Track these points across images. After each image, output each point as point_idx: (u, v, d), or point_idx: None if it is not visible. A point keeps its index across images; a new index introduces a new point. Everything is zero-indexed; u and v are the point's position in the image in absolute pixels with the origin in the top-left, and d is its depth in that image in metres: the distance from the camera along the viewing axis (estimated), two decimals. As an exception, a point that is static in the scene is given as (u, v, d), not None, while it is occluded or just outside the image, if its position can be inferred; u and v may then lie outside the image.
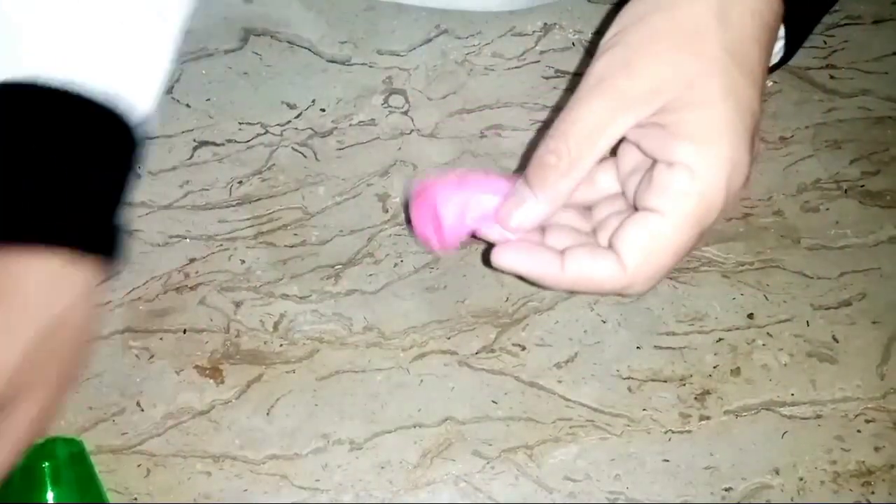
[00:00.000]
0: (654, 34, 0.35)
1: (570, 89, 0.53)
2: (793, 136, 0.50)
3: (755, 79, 0.35)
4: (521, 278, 0.36)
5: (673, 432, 0.42)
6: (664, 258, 0.35)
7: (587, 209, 0.39)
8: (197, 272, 0.46)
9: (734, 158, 0.34)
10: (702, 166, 0.34)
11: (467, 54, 0.54)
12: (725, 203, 0.34)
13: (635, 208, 0.36)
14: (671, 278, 0.46)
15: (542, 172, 0.35)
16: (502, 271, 0.36)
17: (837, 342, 0.45)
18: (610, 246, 0.36)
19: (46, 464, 0.39)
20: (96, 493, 0.39)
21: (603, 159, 0.38)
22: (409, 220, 0.36)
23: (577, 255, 0.36)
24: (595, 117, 0.34)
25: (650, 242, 0.34)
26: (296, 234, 0.48)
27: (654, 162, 0.35)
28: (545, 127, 0.51)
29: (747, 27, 0.35)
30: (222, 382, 0.43)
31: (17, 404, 0.35)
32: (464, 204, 0.37)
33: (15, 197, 0.36)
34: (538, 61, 0.54)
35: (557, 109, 0.52)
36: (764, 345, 0.45)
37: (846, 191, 0.49)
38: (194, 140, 0.51)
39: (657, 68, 0.34)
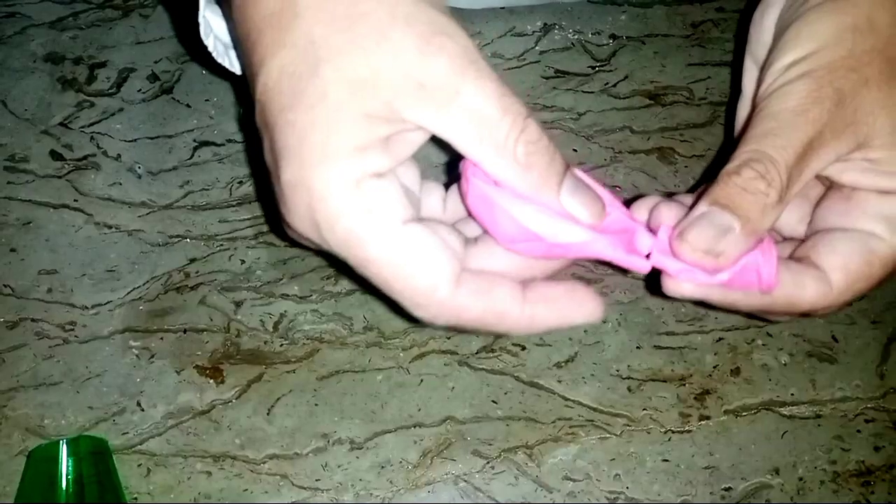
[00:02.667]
0: (853, 59, 0.32)
1: (571, 89, 0.53)
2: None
3: None
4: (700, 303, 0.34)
5: (673, 432, 0.42)
6: (873, 283, 0.33)
7: None
8: (197, 272, 0.46)
9: None
10: None
11: (467, 54, 0.54)
12: None
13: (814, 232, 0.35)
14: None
15: (746, 199, 0.31)
16: (678, 299, 0.33)
17: (837, 342, 0.45)
18: (802, 261, 0.33)
19: (63, 441, 0.39)
20: (116, 492, 0.39)
21: None
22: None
23: (778, 281, 0.32)
24: (804, 148, 0.31)
25: (864, 266, 0.33)
26: (296, 234, 0.48)
27: (855, 189, 0.34)
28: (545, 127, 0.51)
29: None
30: (222, 382, 0.43)
31: None
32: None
33: None
34: (538, 61, 0.54)
35: (558, 109, 0.52)
36: (764, 345, 0.45)
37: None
38: (195, 140, 0.51)
39: (863, 98, 0.32)
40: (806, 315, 0.34)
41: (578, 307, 0.32)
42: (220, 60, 0.41)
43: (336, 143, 0.28)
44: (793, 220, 0.37)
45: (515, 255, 0.32)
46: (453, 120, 0.29)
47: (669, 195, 0.35)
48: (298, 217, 0.30)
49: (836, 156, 0.33)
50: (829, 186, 0.36)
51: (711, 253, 0.31)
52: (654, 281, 0.34)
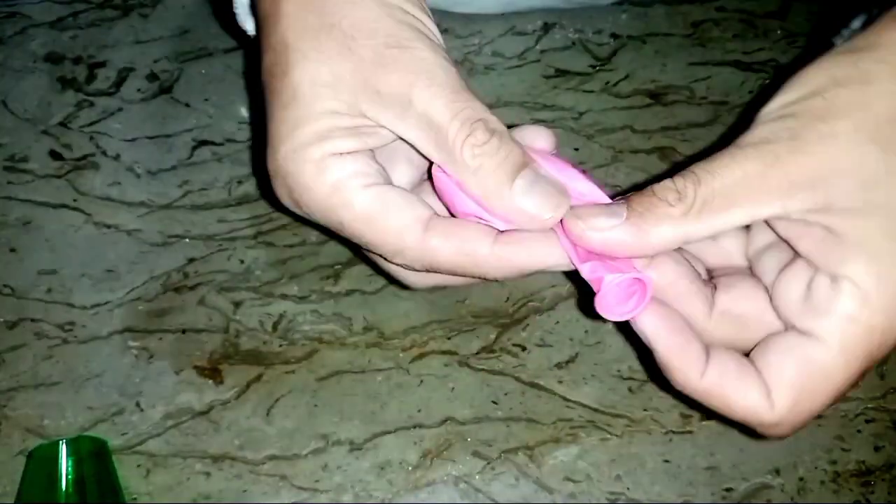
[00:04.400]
0: (835, 110, 0.28)
1: (571, 89, 0.53)
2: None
3: None
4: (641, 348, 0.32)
5: (674, 433, 0.42)
6: (821, 398, 0.29)
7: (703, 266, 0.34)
8: (196, 272, 0.46)
9: None
10: (876, 289, 0.28)
11: (467, 53, 0.54)
12: None
13: (784, 324, 0.31)
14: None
15: (650, 203, 0.29)
16: (636, 332, 0.31)
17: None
18: (753, 363, 0.30)
19: (63, 442, 0.39)
20: (116, 492, 0.39)
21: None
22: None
23: (722, 363, 0.30)
24: (741, 184, 0.28)
25: (808, 379, 0.29)
26: (295, 234, 0.48)
27: (816, 270, 0.29)
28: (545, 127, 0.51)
29: None
30: (222, 383, 0.43)
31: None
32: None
33: None
34: (538, 60, 0.54)
35: (558, 108, 0.52)
36: (764, 345, 0.45)
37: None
38: (193, 139, 0.51)
39: (832, 152, 0.28)
40: (755, 428, 0.31)
41: (550, 249, 0.31)
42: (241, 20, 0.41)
43: (301, 136, 0.32)
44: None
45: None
46: (409, 127, 0.31)
47: None
48: (284, 197, 0.34)
49: (783, 208, 0.29)
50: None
51: (591, 227, 0.30)
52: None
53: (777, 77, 0.53)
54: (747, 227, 0.33)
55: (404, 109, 0.31)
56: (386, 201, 0.32)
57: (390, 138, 0.33)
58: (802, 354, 0.29)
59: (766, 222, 0.31)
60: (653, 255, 0.31)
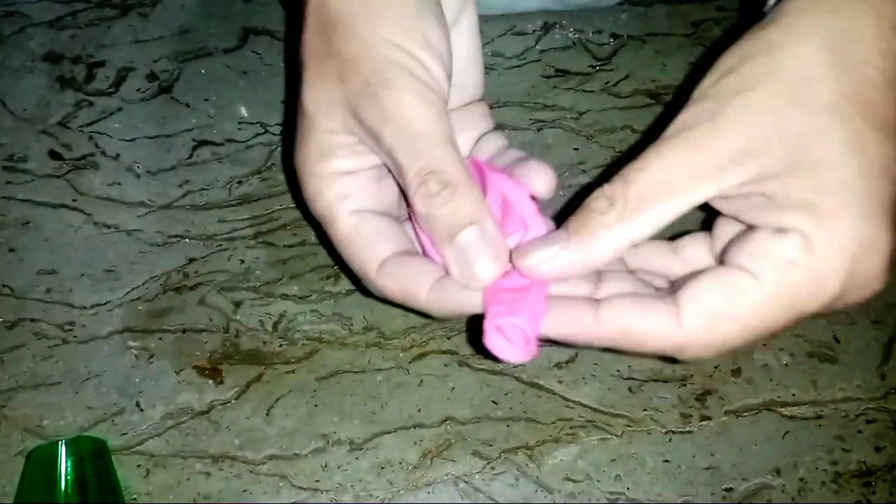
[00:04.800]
0: (747, 82, 0.29)
1: (571, 88, 0.53)
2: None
3: (890, 132, 0.28)
4: (549, 341, 0.32)
5: (674, 432, 0.42)
6: (736, 328, 0.28)
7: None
8: (196, 272, 0.46)
9: (862, 237, 0.27)
10: (821, 239, 0.27)
11: (467, 53, 0.54)
12: (842, 292, 0.28)
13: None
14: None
15: (584, 217, 0.30)
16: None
17: (838, 342, 0.45)
18: (672, 297, 0.29)
19: (62, 441, 0.39)
20: (116, 492, 0.39)
21: (696, 231, 0.32)
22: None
23: (615, 305, 0.29)
24: (668, 175, 0.29)
25: (725, 304, 0.28)
26: (295, 234, 0.48)
27: (755, 228, 0.29)
28: (545, 126, 0.51)
29: (875, 69, 0.28)
30: (222, 382, 0.43)
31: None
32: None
33: None
34: (538, 60, 0.54)
35: (558, 108, 0.52)
36: (764, 345, 0.45)
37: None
38: (193, 139, 0.51)
39: (751, 123, 0.28)
40: (672, 357, 0.30)
41: (475, 298, 0.32)
42: None
43: (308, 149, 0.34)
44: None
45: None
46: (384, 159, 0.33)
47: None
48: (300, 183, 0.36)
49: (717, 187, 0.29)
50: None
51: (537, 262, 0.30)
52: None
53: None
54: (709, 231, 0.33)
55: (378, 144, 0.33)
56: (361, 232, 0.34)
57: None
58: (729, 282, 0.28)
59: (710, 204, 0.30)
60: (602, 268, 0.31)
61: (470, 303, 0.32)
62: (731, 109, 0.28)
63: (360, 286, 0.36)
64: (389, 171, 0.34)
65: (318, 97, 0.34)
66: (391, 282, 0.33)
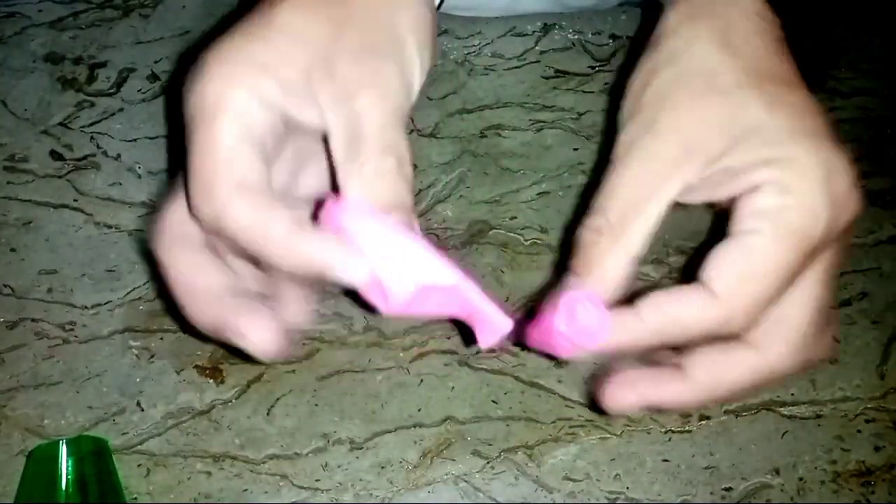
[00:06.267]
0: (665, 89, 0.33)
1: (571, 89, 0.53)
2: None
3: (794, 85, 0.33)
4: None
5: (673, 432, 0.42)
6: (765, 281, 0.30)
7: None
8: (197, 272, 0.46)
9: (821, 162, 0.30)
10: (790, 177, 0.30)
11: (467, 54, 0.54)
12: (834, 209, 0.30)
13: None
14: (671, 278, 0.46)
15: (584, 253, 0.32)
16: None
17: (837, 342, 0.45)
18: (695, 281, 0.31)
19: (63, 441, 0.39)
20: (116, 491, 0.39)
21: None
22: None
23: (652, 300, 0.31)
24: (635, 190, 0.32)
25: (746, 264, 0.30)
26: (296, 234, 0.48)
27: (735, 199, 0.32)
28: (545, 127, 0.51)
29: (758, 46, 0.33)
30: (222, 382, 0.43)
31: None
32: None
33: None
34: (538, 61, 0.54)
35: (558, 109, 0.52)
36: (764, 345, 0.45)
37: (846, 191, 0.49)
38: (194, 140, 0.51)
39: (684, 120, 0.32)
40: (719, 334, 0.32)
41: (350, 258, 0.32)
42: None
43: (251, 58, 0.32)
44: None
45: None
46: (338, 117, 0.32)
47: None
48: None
49: (682, 182, 0.31)
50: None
51: (588, 322, 0.32)
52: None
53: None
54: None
55: (343, 101, 0.31)
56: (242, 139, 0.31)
57: (309, 124, 0.33)
58: (738, 245, 0.31)
59: (682, 202, 0.33)
60: (619, 290, 0.33)
61: (342, 259, 0.31)
62: (662, 114, 0.32)
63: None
64: (323, 132, 0.33)
65: (296, 19, 0.32)
66: (250, 211, 0.31)
